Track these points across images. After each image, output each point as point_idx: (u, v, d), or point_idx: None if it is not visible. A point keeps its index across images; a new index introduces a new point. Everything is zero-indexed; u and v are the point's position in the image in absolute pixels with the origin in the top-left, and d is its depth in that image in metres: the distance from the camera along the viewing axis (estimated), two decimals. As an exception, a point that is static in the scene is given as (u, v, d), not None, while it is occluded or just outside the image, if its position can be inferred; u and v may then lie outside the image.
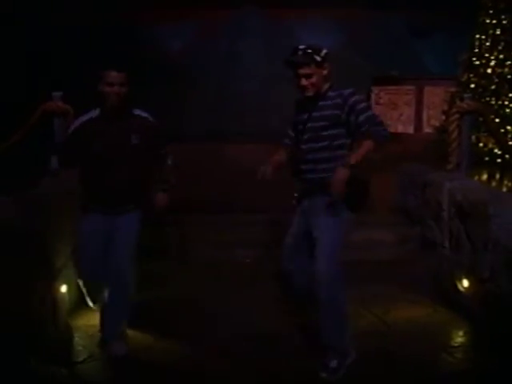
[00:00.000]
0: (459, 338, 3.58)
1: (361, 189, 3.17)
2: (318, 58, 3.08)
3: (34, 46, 7.80)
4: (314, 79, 3.09)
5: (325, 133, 3.11)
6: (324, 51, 3.11)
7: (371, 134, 2.96)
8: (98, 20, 8.76)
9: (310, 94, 3.13)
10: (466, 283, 3.79)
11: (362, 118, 3.00)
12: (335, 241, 3.12)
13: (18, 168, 4.45)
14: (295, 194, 3.33)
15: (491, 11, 7.04)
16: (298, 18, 9.61)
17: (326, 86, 3.16)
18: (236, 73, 9.28)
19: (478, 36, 7.05)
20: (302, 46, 3.10)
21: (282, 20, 9.67)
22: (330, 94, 3.15)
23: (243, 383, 3.10)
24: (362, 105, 3.06)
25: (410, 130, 9.19)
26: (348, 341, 3.18)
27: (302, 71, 3.08)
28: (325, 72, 3.12)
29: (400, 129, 9.24)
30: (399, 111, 9.24)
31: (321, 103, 3.15)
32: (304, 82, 3.10)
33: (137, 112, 3.41)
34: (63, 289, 3.64)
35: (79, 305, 3.87)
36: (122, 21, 8.93)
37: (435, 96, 8.75)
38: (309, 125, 3.16)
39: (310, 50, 3.08)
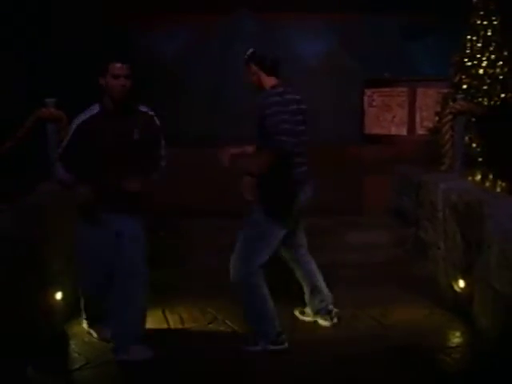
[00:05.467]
0: (456, 338, 3.59)
1: None
2: None
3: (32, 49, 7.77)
4: None
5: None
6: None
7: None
8: (89, 27, 8.75)
9: None
10: (461, 284, 3.80)
11: None
12: None
13: (12, 175, 4.43)
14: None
15: (482, 12, 7.09)
16: (291, 21, 9.62)
17: None
18: (230, 77, 9.27)
19: (469, 37, 7.09)
20: None
21: (275, 24, 9.67)
22: None
23: None
24: None
25: (403, 131, 9.19)
26: None
27: None
28: None
29: (393, 131, 9.25)
30: (392, 113, 9.24)
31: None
32: None
33: (143, 109, 3.29)
34: (58, 296, 3.62)
35: (75, 312, 3.84)
36: (114, 26, 8.91)
37: (428, 97, 8.77)
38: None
39: None
